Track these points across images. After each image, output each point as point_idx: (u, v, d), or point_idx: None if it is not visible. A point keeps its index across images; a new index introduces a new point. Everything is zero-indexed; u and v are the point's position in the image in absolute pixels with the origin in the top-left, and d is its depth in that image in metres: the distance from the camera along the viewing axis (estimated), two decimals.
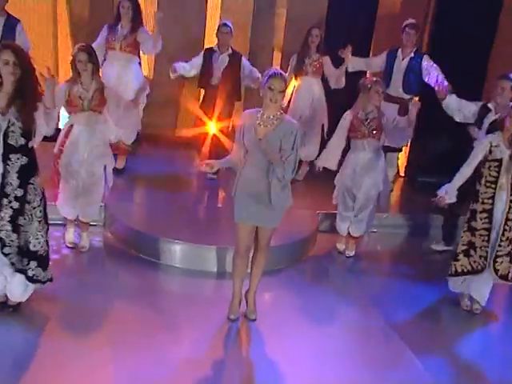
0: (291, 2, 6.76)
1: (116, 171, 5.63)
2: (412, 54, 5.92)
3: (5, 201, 3.67)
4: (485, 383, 4.00)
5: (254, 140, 3.74)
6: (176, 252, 5.01)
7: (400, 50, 5.95)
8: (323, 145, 5.65)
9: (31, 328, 3.90)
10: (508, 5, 6.22)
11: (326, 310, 4.66)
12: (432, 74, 5.73)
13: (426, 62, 5.85)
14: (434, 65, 5.80)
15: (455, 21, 6.25)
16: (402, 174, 6.94)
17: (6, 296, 3.90)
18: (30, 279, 3.85)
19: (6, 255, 3.73)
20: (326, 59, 6.09)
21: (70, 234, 4.91)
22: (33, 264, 3.88)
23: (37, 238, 3.88)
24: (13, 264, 3.79)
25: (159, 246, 5.04)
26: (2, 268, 3.78)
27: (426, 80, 5.81)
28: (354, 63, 6.04)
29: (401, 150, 6.34)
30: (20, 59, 3.53)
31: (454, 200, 4.46)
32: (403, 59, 5.94)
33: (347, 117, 5.00)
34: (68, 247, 4.87)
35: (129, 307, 4.29)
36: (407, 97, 5.93)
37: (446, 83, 5.44)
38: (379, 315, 4.60)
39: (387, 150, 5.81)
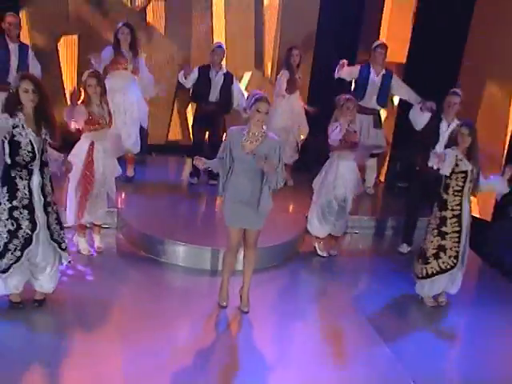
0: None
1: (126, 179, 6.16)
2: (384, 72, 6.48)
3: (49, 208, 4.21)
4: (451, 368, 4.46)
5: (242, 154, 4.20)
6: (178, 252, 5.48)
7: (372, 66, 6.49)
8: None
9: (52, 318, 4.43)
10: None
11: (310, 302, 5.15)
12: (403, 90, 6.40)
13: (395, 80, 6.46)
14: (403, 83, 6.46)
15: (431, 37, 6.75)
16: (382, 179, 7.43)
17: (20, 296, 4.36)
18: (63, 250, 4.39)
19: (53, 239, 4.27)
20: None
21: (84, 245, 5.30)
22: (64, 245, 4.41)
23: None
24: (59, 247, 4.32)
25: (164, 246, 5.51)
26: (26, 270, 4.26)
27: (395, 95, 6.48)
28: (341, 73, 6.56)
29: (378, 156, 6.87)
30: (37, 87, 4.01)
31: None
32: (377, 75, 6.48)
33: (334, 131, 5.34)
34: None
35: (136, 299, 4.80)
36: (380, 108, 6.56)
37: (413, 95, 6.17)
38: (356, 308, 5.04)
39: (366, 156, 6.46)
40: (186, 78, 6.40)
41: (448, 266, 4.87)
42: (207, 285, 5.24)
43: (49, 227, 4.21)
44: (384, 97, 6.56)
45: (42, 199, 4.16)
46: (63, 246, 4.36)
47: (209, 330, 4.54)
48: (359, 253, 6.28)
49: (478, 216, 6.42)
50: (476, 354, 4.61)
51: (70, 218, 5.09)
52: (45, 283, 4.36)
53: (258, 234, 4.51)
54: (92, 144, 5.01)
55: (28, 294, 4.37)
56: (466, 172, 4.73)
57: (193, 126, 6.82)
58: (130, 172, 6.46)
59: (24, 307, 4.35)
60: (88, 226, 5.34)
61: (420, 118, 5.72)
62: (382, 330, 4.69)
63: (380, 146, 6.77)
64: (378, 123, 6.62)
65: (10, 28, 6.07)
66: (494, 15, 6.60)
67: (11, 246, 4.15)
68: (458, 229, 4.83)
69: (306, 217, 5.89)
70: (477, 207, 6.55)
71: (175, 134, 7.68)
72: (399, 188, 6.99)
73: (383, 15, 7.39)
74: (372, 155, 6.78)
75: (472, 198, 5.05)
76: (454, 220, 4.82)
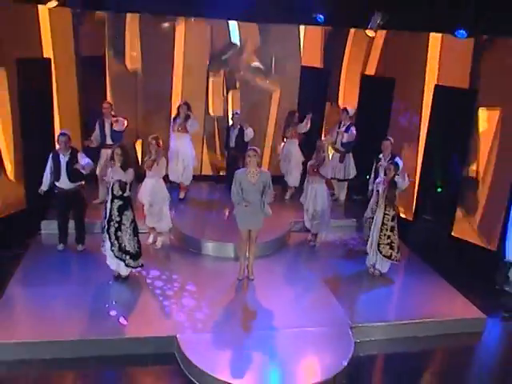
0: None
1: (179, 200, 8.32)
2: (347, 124, 8.56)
3: (112, 224, 6.10)
4: (384, 316, 6.10)
5: (248, 185, 6.14)
6: (209, 246, 7.37)
7: (341, 122, 8.58)
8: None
9: (130, 285, 6.33)
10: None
11: (294, 276, 6.94)
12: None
13: (352, 129, 8.47)
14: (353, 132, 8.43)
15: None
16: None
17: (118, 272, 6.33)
18: (126, 265, 6.18)
19: (111, 250, 6.07)
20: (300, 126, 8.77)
21: (150, 239, 7.42)
22: (127, 257, 6.18)
23: (129, 243, 6.17)
24: (116, 257, 6.11)
25: (200, 243, 7.40)
26: (112, 258, 6.20)
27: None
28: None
29: (347, 180, 8.93)
30: (125, 153, 6.14)
31: None
32: (343, 127, 8.57)
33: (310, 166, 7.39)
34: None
35: (181, 278, 6.60)
36: (344, 149, 8.62)
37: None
38: (323, 278, 6.83)
39: (339, 180, 8.49)
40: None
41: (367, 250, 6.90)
42: (228, 266, 6.97)
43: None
44: (347, 142, 8.66)
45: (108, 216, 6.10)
46: (126, 262, 6.25)
47: (230, 290, 6.48)
48: (330, 243, 7.96)
49: (403, 216, 8.33)
50: (401, 302, 6.51)
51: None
52: (122, 269, 6.29)
53: (258, 232, 6.45)
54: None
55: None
56: (377, 192, 6.74)
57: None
58: (181, 195, 8.66)
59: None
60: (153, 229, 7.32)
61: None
62: (335, 289, 6.54)
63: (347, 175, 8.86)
64: (341, 159, 8.73)
65: (105, 111, 7.92)
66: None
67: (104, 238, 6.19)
68: (371, 226, 6.87)
69: (291, 222, 7.89)
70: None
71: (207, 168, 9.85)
72: (355, 200, 9.02)
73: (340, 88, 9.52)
74: (342, 180, 8.90)
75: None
76: (370, 220, 6.90)
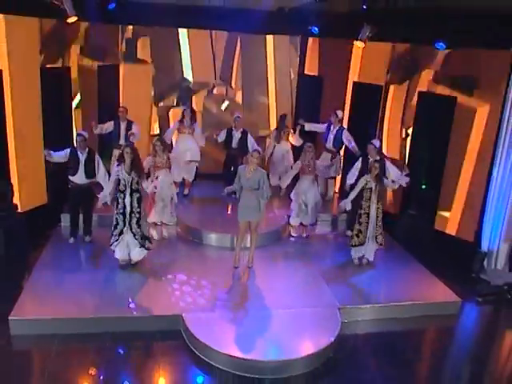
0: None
1: (183, 195, 8.79)
2: (338, 127, 9.02)
3: (133, 215, 6.63)
4: (369, 299, 6.57)
5: (245, 180, 6.63)
6: (211, 237, 7.90)
7: (332, 124, 9.03)
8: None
9: (138, 271, 6.80)
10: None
11: (289, 264, 7.46)
12: (348, 140, 8.84)
13: (345, 132, 8.93)
14: (349, 136, 8.87)
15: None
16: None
17: (129, 259, 6.80)
18: (145, 249, 6.76)
19: (135, 238, 6.67)
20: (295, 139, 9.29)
21: (157, 232, 7.84)
22: (147, 241, 6.75)
23: (145, 229, 6.76)
24: (139, 243, 6.67)
25: (203, 234, 7.93)
26: (130, 246, 6.76)
27: (345, 142, 8.96)
28: (311, 127, 9.18)
29: (335, 178, 9.43)
30: (133, 151, 6.59)
31: (349, 208, 7.27)
32: (334, 129, 9.02)
33: (298, 164, 7.96)
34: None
35: (188, 262, 7.21)
36: (335, 149, 9.07)
37: (355, 147, 8.60)
38: (314, 265, 7.34)
39: (327, 178, 8.97)
40: (217, 135, 9.04)
41: (362, 242, 7.30)
42: (227, 255, 7.44)
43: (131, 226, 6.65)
44: (338, 143, 9.11)
45: (129, 210, 6.61)
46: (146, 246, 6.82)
47: (229, 275, 7.01)
48: (321, 235, 8.57)
49: (390, 212, 8.83)
50: (385, 287, 6.96)
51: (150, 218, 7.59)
52: (135, 255, 6.80)
53: (258, 224, 6.95)
54: (157, 177, 7.49)
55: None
56: (371, 188, 7.18)
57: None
58: (186, 191, 9.17)
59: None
60: (158, 223, 7.83)
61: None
62: (325, 275, 7.07)
63: (335, 172, 9.36)
64: (333, 158, 9.18)
65: (120, 114, 8.53)
66: None
67: (116, 233, 6.62)
68: (367, 220, 7.22)
69: (288, 216, 8.33)
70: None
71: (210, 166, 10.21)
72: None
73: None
74: (330, 178, 9.40)
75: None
76: (365, 215, 7.23)
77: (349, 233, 8.03)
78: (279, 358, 5.47)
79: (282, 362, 5.47)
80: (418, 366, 5.98)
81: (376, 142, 7.92)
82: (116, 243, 6.70)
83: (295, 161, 8.50)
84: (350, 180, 7.68)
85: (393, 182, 7.51)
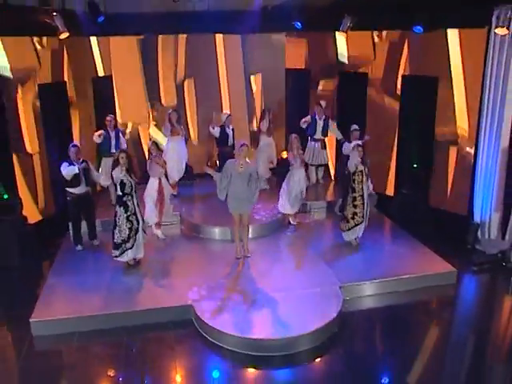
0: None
1: (173, 196, 8.95)
2: (324, 117, 9.40)
3: (138, 215, 6.98)
4: (368, 275, 6.83)
5: (236, 174, 6.83)
6: (214, 231, 8.27)
7: (317, 115, 9.38)
8: None
9: (146, 268, 7.16)
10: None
11: (289, 250, 7.79)
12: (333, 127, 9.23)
13: (330, 122, 9.33)
14: (334, 124, 9.26)
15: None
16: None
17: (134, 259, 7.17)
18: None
19: (144, 238, 7.09)
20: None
21: (159, 231, 8.18)
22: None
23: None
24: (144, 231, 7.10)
25: (205, 229, 8.32)
26: (141, 244, 7.13)
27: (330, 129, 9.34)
28: (302, 124, 9.50)
29: (324, 165, 9.79)
30: (127, 156, 6.87)
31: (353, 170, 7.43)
32: (320, 119, 9.39)
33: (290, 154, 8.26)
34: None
35: (191, 255, 7.59)
36: (323, 138, 9.43)
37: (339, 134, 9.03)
38: (314, 249, 7.67)
39: (318, 165, 9.29)
40: (213, 128, 9.18)
41: (358, 222, 7.58)
42: (228, 247, 7.77)
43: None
44: (325, 132, 9.54)
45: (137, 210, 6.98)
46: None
47: (232, 265, 7.32)
48: (317, 221, 8.93)
49: (386, 193, 9.20)
50: (383, 264, 7.22)
51: (151, 220, 7.92)
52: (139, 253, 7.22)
53: (249, 216, 7.24)
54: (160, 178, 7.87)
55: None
56: (361, 171, 7.49)
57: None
58: (174, 191, 9.31)
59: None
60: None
61: (347, 149, 8.53)
62: (325, 257, 7.40)
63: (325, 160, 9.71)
64: (323, 146, 9.60)
65: (108, 124, 8.75)
66: None
67: (131, 235, 6.98)
68: (362, 202, 7.51)
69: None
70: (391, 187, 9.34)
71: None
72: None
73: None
74: (321, 165, 9.75)
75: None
76: (360, 197, 7.49)
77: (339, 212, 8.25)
78: (286, 335, 5.79)
79: (290, 339, 5.79)
80: (420, 335, 6.24)
81: (355, 126, 8.42)
82: (130, 246, 6.98)
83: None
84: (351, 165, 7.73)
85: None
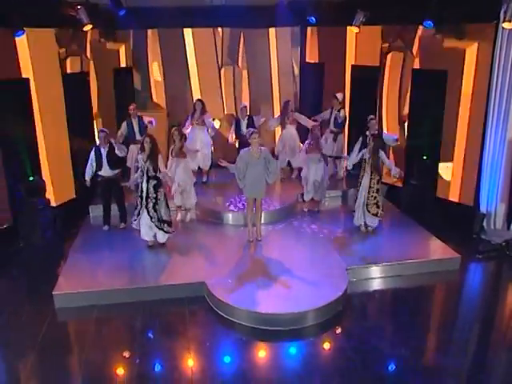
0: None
1: (202, 182, 9.51)
2: (339, 108, 9.71)
3: (149, 200, 7.27)
4: (375, 259, 7.12)
5: (252, 160, 7.19)
6: (229, 217, 8.65)
7: (333, 108, 9.71)
8: None
9: (164, 249, 7.54)
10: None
11: (300, 235, 8.09)
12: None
13: (342, 114, 9.64)
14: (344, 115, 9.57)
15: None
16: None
17: (155, 240, 7.53)
18: (165, 231, 7.46)
19: (152, 221, 7.30)
20: (297, 115, 9.85)
21: (179, 216, 8.62)
22: (165, 225, 7.39)
23: (165, 214, 7.38)
24: (156, 226, 7.32)
25: (221, 214, 8.71)
26: (153, 228, 7.42)
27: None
28: (318, 117, 9.82)
29: (341, 158, 10.01)
30: (152, 140, 7.22)
31: (350, 168, 8.00)
32: (335, 112, 9.71)
33: (306, 145, 8.67)
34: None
35: (208, 239, 7.99)
36: (337, 130, 9.75)
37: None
38: (323, 234, 8.02)
39: (336, 157, 9.64)
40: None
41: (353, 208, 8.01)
42: (242, 232, 8.17)
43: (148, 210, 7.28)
44: (338, 124, 9.83)
45: (145, 194, 7.27)
46: (164, 229, 7.44)
47: (241, 246, 7.69)
48: (330, 209, 9.25)
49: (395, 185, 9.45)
50: (389, 249, 7.51)
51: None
52: (160, 237, 7.49)
53: (262, 201, 7.58)
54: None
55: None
56: (365, 159, 7.74)
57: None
58: (204, 179, 9.85)
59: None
60: (181, 208, 8.60)
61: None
62: (334, 242, 7.72)
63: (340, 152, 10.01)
64: (334, 138, 9.89)
65: (131, 112, 9.16)
66: None
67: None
68: (358, 188, 7.83)
69: (302, 194, 8.97)
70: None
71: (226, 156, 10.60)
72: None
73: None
74: (338, 157, 10.05)
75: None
76: (358, 184, 7.83)
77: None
78: (293, 310, 6.14)
79: (296, 314, 6.14)
80: (424, 316, 6.50)
81: (371, 116, 8.61)
82: (135, 222, 7.41)
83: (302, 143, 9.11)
84: (352, 160, 8.06)
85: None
